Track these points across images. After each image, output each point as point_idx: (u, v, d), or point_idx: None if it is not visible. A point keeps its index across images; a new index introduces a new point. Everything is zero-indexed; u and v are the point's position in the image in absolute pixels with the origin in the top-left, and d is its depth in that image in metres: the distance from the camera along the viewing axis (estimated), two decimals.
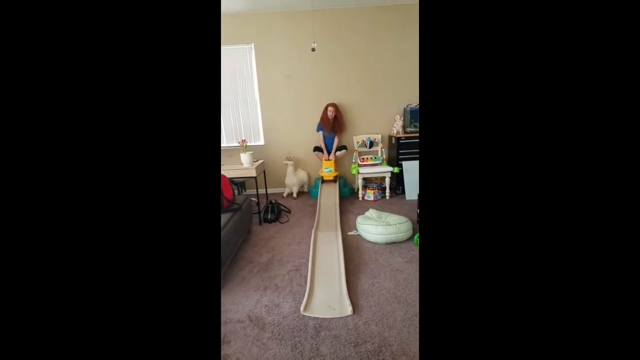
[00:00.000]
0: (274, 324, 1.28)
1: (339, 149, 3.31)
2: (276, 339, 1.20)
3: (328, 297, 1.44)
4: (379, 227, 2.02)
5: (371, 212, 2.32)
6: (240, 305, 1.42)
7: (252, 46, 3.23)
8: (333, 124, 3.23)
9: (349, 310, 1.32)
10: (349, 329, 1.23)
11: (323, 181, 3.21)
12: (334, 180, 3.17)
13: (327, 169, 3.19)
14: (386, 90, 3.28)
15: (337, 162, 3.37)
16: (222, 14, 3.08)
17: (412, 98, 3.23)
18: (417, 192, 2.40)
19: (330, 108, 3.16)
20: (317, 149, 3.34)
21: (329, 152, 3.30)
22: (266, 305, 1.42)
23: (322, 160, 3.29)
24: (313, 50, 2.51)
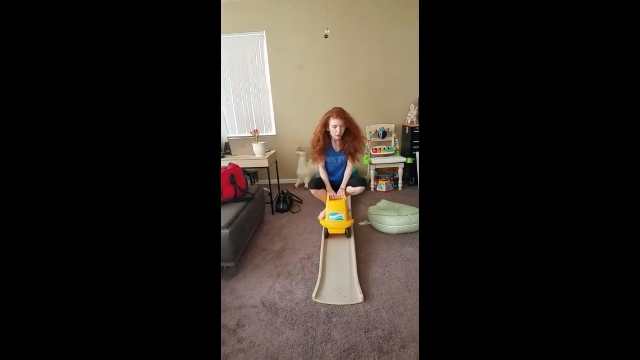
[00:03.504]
0: (286, 310, 1.32)
1: (352, 182, 2.02)
2: (289, 323, 1.24)
3: (339, 284, 1.47)
4: (391, 218, 2.01)
5: (383, 203, 2.31)
6: (254, 291, 1.47)
7: (264, 34, 3.20)
8: (342, 142, 1.96)
9: (359, 297, 1.34)
10: (359, 316, 1.26)
11: (327, 235, 1.88)
12: (346, 235, 1.88)
13: (335, 216, 1.83)
14: (401, 78, 3.19)
15: (353, 197, 2.34)
16: (231, 2, 3.06)
17: None
18: None
19: (334, 121, 1.85)
20: (317, 183, 2.04)
21: (335, 187, 2.07)
22: (279, 292, 1.46)
23: (324, 200, 2.04)
24: (326, 37, 2.46)
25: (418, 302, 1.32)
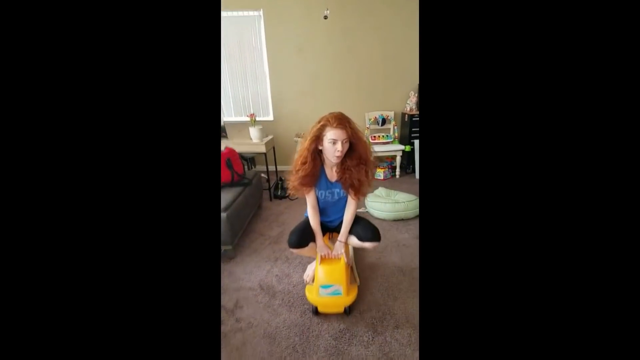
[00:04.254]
0: (284, 292, 1.35)
1: (359, 233, 1.21)
2: (286, 305, 1.27)
3: None
4: (388, 204, 2.03)
5: (380, 191, 2.33)
6: (252, 275, 1.50)
7: (261, 13, 3.07)
8: (342, 169, 1.15)
9: (356, 280, 1.37)
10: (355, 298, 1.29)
11: (317, 312, 1.19)
12: (346, 313, 1.18)
13: (328, 290, 1.16)
14: (401, 64, 3.13)
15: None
16: None
17: None
18: None
19: (333, 134, 1.06)
20: (301, 236, 1.21)
21: (327, 230, 1.34)
22: (277, 275, 1.48)
23: (316, 258, 1.26)
24: (326, 18, 2.37)
25: (412, 284, 1.36)
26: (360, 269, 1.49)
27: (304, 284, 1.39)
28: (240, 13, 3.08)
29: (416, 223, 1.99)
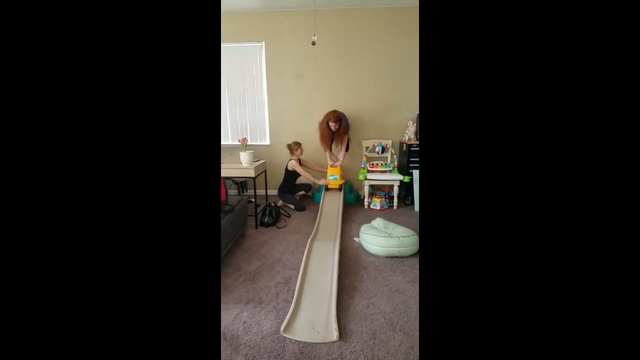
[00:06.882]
0: (249, 345, 1.13)
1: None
2: None
3: (314, 317, 1.27)
4: (380, 238, 1.83)
5: (377, 222, 2.14)
6: None
7: (263, 44, 3.16)
8: (334, 136, 2.92)
9: (334, 335, 1.15)
10: (332, 359, 1.06)
11: (327, 189, 2.99)
12: (339, 189, 2.95)
13: (332, 177, 2.94)
14: (400, 94, 3.10)
15: (344, 167, 3.13)
16: (234, 12, 3.03)
17: None
18: None
19: (332, 124, 2.78)
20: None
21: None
22: (245, 322, 1.26)
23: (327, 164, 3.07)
24: (313, 44, 2.36)
25: (402, 344, 1.12)
26: (342, 318, 1.26)
27: (273, 337, 1.17)
28: (244, 44, 3.17)
29: (412, 264, 1.76)
